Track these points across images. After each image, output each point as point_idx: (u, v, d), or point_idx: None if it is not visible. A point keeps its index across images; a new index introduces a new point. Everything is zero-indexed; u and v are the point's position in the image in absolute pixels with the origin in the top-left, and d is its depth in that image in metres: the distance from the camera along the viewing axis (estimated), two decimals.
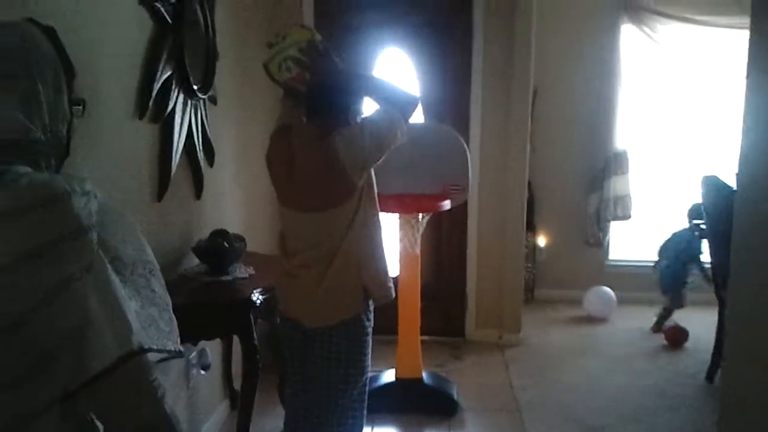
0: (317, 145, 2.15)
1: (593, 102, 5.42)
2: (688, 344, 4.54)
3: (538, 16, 4.42)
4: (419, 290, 3.62)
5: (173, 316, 1.26)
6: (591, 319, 5.10)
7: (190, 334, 2.65)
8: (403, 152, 3.51)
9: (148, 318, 1.14)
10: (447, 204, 3.47)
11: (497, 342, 4.55)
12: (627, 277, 5.47)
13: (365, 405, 2.44)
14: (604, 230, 5.56)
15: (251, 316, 2.64)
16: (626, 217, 5.52)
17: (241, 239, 3.05)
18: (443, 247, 4.63)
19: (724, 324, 3.85)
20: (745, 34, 4.54)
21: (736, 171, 2.06)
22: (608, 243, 5.62)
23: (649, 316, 5.05)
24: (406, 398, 3.59)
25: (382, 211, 3.41)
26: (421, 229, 3.55)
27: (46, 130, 1.09)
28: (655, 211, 5.60)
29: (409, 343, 3.64)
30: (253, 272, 2.95)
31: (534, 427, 3.41)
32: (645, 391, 3.84)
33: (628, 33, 5.30)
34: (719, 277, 3.86)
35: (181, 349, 1.25)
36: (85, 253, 1.01)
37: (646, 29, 5.23)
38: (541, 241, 5.59)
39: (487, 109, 4.45)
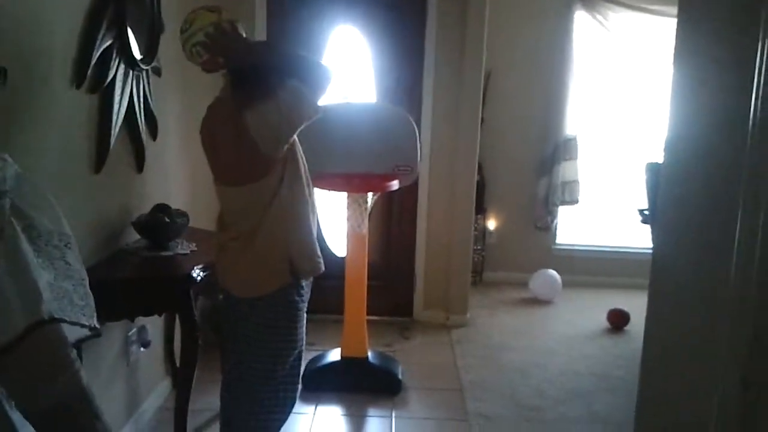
0: (232, 121, 2.16)
1: (545, 87, 5.46)
2: (628, 327, 4.64)
3: (492, 0, 4.42)
4: (366, 270, 3.62)
5: (89, 291, 1.22)
6: (537, 302, 5.18)
7: (128, 310, 2.63)
8: (353, 132, 3.54)
9: (61, 291, 1.11)
10: (395, 184, 3.46)
11: (444, 323, 4.59)
12: (573, 261, 5.57)
13: (297, 381, 2.46)
14: (552, 214, 5.63)
15: (191, 293, 2.60)
16: (574, 201, 5.60)
17: (184, 215, 3.00)
18: (393, 228, 4.63)
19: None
20: None
21: (662, 155, 2.11)
22: (556, 227, 5.70)
23: (593, 299, 5.16)
24: (351, 377, 3.60)
25: (329, 189, 3.44)
26: (369, 209, 3.54)
27: None
28: (602, 196, 5.70)
29: (355, 323, 3.64)
30: (195, 248, 2.91)
31: (474, 406, 3.45)
32: (585, 372, 3.92)
33: (580, 19, 5.34)
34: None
35: (97, 325, 1.21)
36: None
37: (598, 17, 5.29)
38: (491, 224, 5.64)
39: (439, 90, 4.44)
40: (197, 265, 2.67)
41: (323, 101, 2.28)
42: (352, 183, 3.43)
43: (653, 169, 3.80)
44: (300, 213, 2.31)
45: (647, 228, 4.45)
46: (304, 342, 2.46)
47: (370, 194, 3.52)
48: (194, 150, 3.63)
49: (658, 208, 2.18)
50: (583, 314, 4.92)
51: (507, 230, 5.65)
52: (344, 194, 3.52)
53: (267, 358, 2.32)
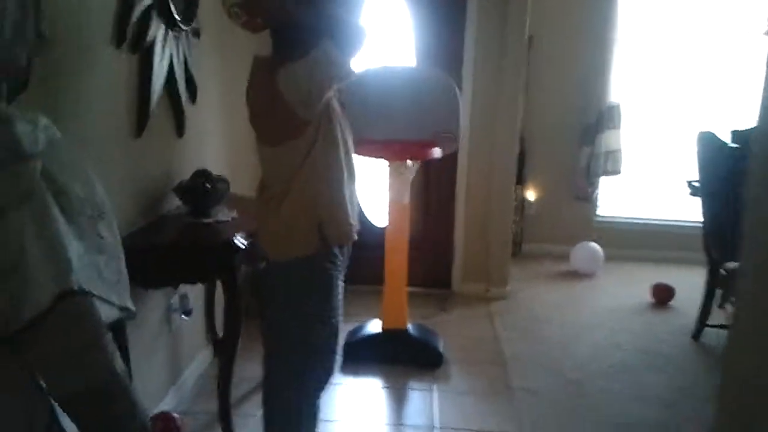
0: (266, 79, 2.11)
1: (588, 53, 5.27)
2: (673, 302, 4.51)
3: None
4: (407, 242, 3.53)
5: (124, 269, 1.12)
6: (578, 275, 5.06)
7: (171, 277, 2.58)
8: (392, 97, 3.43)
9: (92, 265, 1.01)
10: (437, 152, 3.36)
11: (484, 295, 4.50)
12: (615, 233, 5.43)
13: (334, 351, 2.37)
14: (593, 185, 5.47)
15: (234, 260, 2.54)
16: (616, 172, 5.43)
17: (224, 181, 2.93)
18: (431, 198, 4.53)
19: (714, 283, 3.84)
20: None
21: (755, 126, 1.94)
22: (597, 198, 5.55)
23: (636, 273, 5.03)
24: (391, 349, 3.53)
25: (368, 156, 3.34)
26: (411, 178, 3.44)
27: (5, 50, 0.95)
28: (645, 167, 5.53)
29: (395, 295, 3.57)
30: (236, 215, 2.84)
31: (517, 379, 3.37)
32: (628, 347, 3.81)
33: None
34: (711, 235, 3.80)
35: (131, 306, 1.12)
36: (23, 180, 0.90)
37: None
38: (531, 194, 5.51)
39: (480, 55, 4.30)
40: (239, 232, 2.60)
41: (356, 63, 2.18)
42: (391, 150, 3.33)
43: (705, 140, 3.63)
44: (333, 177, 2.22)
45: (695, 200, 4.31)
46: (341, 312, 2.39)
47: (409, 162, 3.40)
48: (234, 114, 3.59)
49: (749, 184, 2.01)
50: (625, 288, 4.79)
51: (547, 201, 5.51)
52: (385, 162, 3.43)
53: (300, 326, 2.26)
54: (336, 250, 2.28)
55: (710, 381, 3.42)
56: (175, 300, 2.96)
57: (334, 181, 2.22)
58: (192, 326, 3.22)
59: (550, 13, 5.15)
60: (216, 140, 3.43)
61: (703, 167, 3.71)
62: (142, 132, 2.54)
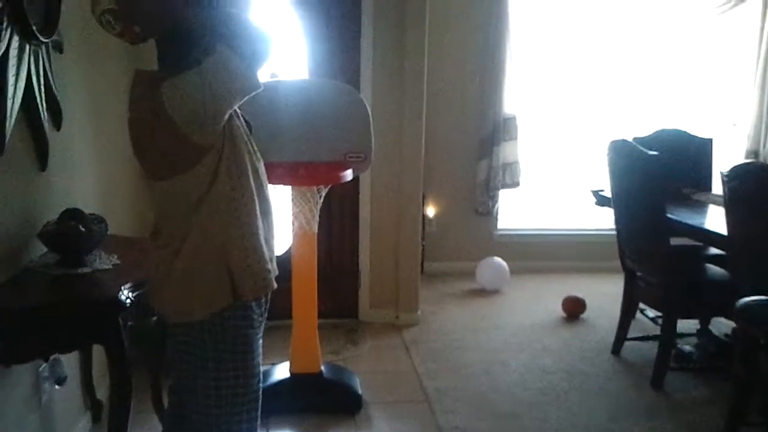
0: (149, 97, 1.73)
1: (482, 64, 5.14)
2: (584, 315, 4.42)
3: None
4: (316, 274, 3.18)
5: None
6: (484, 292, 4.89)
7: (39, 347, 2.09)
8: (297, 114, 3.07)
9: None
10: (348, 174, 3.04)
11: (394, 322, 4.21)
12: (518, 246, 5.32)
13: (255, 417, 1.99)
14: (493, 199, 5.34)
15: (120, 321, 2.09)
16: (515, 184, 5.34)
17: (101, 220, 2.46)
18: (333, 220, 4.19)
19: (632, 294, 3.75)
20: None
21: None
22: (497, 212, 5.42)
23: (542, 286, 4.93)
24: (304, 396, 3.16)
25: (272, 183, 2.95)
26: (320, 204, 3.10)
27: None
28: (544, 178, 5.47)
29: (305, 333, 3.20)
30: (118, 261, 2.38)
31: (445, 417, 3.11)
32: (552, 369, 3.64)
33: None
34: (625, 245, 3.71)
35: None
36: None
37: None
38: (431, 211, 5.29)
39: (379, 68, 4.03)
40: (125, 283, 2.15)
41: (263, 74, 1.83)
42: (298, 175, 2.97)
43: (619, 148, 3.53)
44: (243, 215, 1.85)
45: (601, 210, 4.24)
46: (261, 378, 2.01)
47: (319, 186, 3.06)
48: (108, 141, 3.09)
49: None
50: (535, 303, 4.66)
51: (447, 217, 5.32)
52: (288, 188, 3.06)
53: (210, 400, 1.89)
54: (252, 304, 1.90)
55: (639, 401, 3.30)
56: (44, 368, 2.44)
57: (244, 221, 1.85)
58: (67, 394, 2.70)
59: (443, 23, 4.96)
60: (88, 173, 2.92)
61: (618, 176, 3.61)
62: None
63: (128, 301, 2.10)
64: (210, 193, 1.78)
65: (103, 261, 2.35)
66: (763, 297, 2.70)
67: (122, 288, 2.11)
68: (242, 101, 1.80)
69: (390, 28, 3.98)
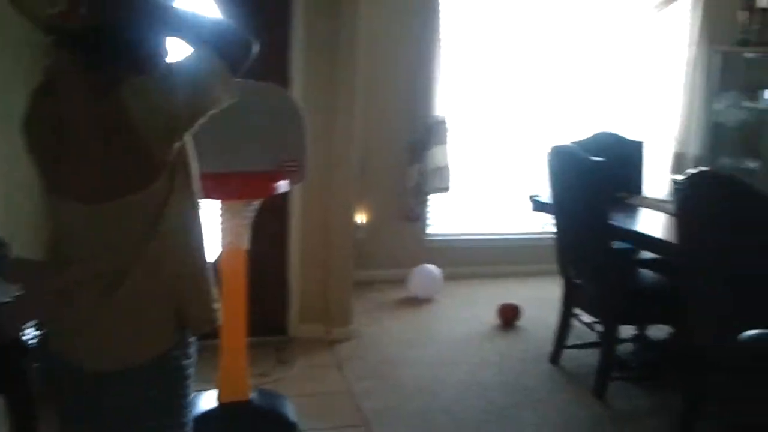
0: (98, 103, 1.44)
1: (412, 67, 4.97)
2: (520, 322, 4.33)
3: None
4: (245, 295, 2.92)
5: None
6: (417, 301, 4.73)
7: None
8: (221, 119, 2.78)
9: None
10: (283, 185, 2.79)
11: (326, 338, 3.97)
12: (449, 252, 5.19)
13: None
14: (423, 204, 5.20)
15: (23, 365, 1.79)
16: (445, 189, 5.20)
17: (0, 243, 2.13)
18: (260, 228, 3.89)
19: (571, 301, 3.67)
20: None
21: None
22: (426, 217, 5.28)
23: (475, 293, 4.83)
24: (233, 428, 2.89)
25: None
26: (251, 218, 2.83)
27: None
28: (475, 182, 5.36)
29: (233, 358, 2.93)
30: (22, 291, 2.06)
31: None
32: (492, 383, 3.52)
33: None
34: (566, 252, 3.62)
35: None
36: None
37: None
38: (360, 217, 5.08)
39: (311, 68, 3.79)
40: (27, 319, 1.85)
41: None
42: (227, 187, 2.69)
43: (561, 154, 3.44)
44: (195, 241, 1.61)
45: (536, 215, 4.17)
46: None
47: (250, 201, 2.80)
48: (7, 147, 2.72)
49: None
50: (469, 311, 4.54)
51: (377, 224, 5.11)
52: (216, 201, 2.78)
53: None
54: (191, 338, 1.65)
55: (584, 414, 3.22)
56: None
57: (196, 246, 1.61)
58: None
59: (372, 25, 4.76)
60: None
61: (560, 182, 3.51)
62: None
63: (31, 341, 1.80)
64: (164, 216, 1.52)
65: (4, 291, 2.03)
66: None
67: (24, 326, 1.81)
68: (216, 111, 1.54)
69: (322, 28, 3.75)
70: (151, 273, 1.53)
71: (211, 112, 1.51)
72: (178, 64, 1.47)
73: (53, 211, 1.58)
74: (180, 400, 1.65)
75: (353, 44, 3.80)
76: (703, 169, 2.70)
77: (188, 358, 1.65)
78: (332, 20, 3.75)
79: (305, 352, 3.83)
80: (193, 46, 1.49)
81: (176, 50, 1.51)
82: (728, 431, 2.91)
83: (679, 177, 2.71)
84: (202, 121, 1.51)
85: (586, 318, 4.02)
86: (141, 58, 1.48)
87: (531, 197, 4.02)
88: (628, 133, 4.31)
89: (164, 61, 1.49)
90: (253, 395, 2.99)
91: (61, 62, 1.52)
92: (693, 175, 2.58)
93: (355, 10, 3.77)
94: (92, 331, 1.55)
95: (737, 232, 2.47)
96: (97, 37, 1.45)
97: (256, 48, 1.54)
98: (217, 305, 1.69)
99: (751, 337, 2.14)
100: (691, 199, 2.61)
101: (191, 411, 1.73)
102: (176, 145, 1.49)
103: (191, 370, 1.67)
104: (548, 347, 3.77)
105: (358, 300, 4.56)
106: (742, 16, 4.95)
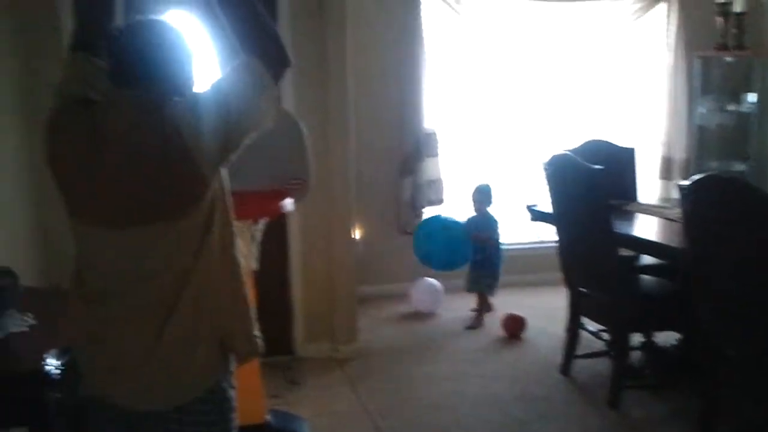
0: (147, 122, 1.42)
1: (400, 80, 4.98)
2: (525, 334, 4.30)
3: None
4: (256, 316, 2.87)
5: None
6: (420, 315, 4.69)
7: None
8: None
9: None
10: (288, 204, 2.76)
11: (333, 356, 3.93)
12: None
13: None
14: (419, 217, 5.18)
15: (44, 396, 1.73)
16: (439, 201, 5.20)
17: (10, 273, 2.08)
18: (261, 249, 3.86)
19: (578, 310, 3.65)
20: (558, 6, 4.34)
21: None
22: None
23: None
24: None
25: None
26: (260, 237, 2.80)
27: None
28: (467, 193, 5.35)
29: (248, 381, 2.82)
30: (34, 321, 2.01)
31: None
32: (506, 397, 3.48)
33: (429, 3, 4.92)
34: (570, 261, 3.61)
35: None
36: None
37: None
38: (357, 232, 5.05)
39: (301, 88, 3.76)
40: (47, 349, 1.80)
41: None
42: (235, 206, 2.65)
43: (561, 162, 3.44)
44: (236, 267, 1.57)
45: (535, 225, 4.17)
46: None
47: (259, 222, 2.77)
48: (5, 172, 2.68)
49: None
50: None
51: (374, 238, 5.08)
52: None
53: None
54: (233, 368, 1.64)
55: (601, 424, 3.20)
56: None
57: (237, 278, 1.58)
58: None
59: (357, 38, 4.75)
60: None
61: (560, 191, 3.51)
62: None
63: (54, 372, 1.75)
64: (205, 242, 1.48)
65: (18, 322, 1.97)
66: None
67: (45, 356, 1.76)
68: (269, 124, 1.52)
69: (308, 44, 3.74)
70: (198, 302, 1.49)
71: (260, 129, 1.49)
72: (222, 78, 1.45)
73: (80, 240, 1.53)
74: (231, 430, 1.64)
75: (341, 64, 3.81)
76: (711, 173, 2.71)
77: (234, 387, 1.63)
78: (320, 42, 3.77)
79: (314, 371, 3.78)
80: (248, 55, 1.45)
81: (221, 61, 1.49)
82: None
83: (685, 182, 2.73)
84: (251, 138, 1.48)
85: (593, 327, 4.03)
86: (181, 81, 1.48)
87: (528, 207, 4.02)
88: (618, 140, 4.34)
89: (195, 83, 1.48)
90: (269, 417, 2.94)
91: (91, 80, 1.50)
92: (699, 179, 2.60)
93: (342, 30, 3.78)
94: (137, 368, 1.49)
95: (746, 232, 2.48)
96: (140, 53, 1.46)
97: (288, 59, 1.52)
98: (259, 335, 1.67)
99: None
100: (699, 203, 2.62)
101: None
102: (224, 163, 1.48)
103: (236, 403, 1.63)
104: (557, 357, 3.75)
105: (362, 316, 4.52)
106: (718, 21, 5.03)
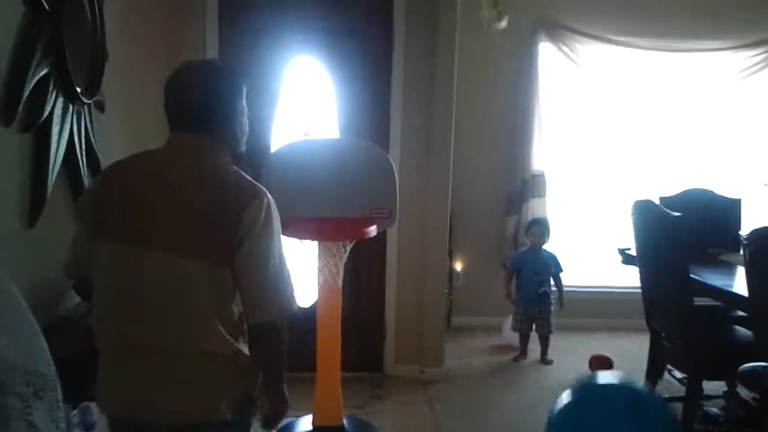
0: (204, 165, 1.72)
1: (511, 122, 5.24)
2: None
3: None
4: (340, 328, 3.23)
5: None
6: (510, 348, 4.85)
7: (70, 394, 2.16)
8: (321, 171, 3.17)
9: None
10: (373, 230, 3.11)
11: (419, 377, 4.21)
12: None
13: None
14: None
15: None
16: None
17: None
18: (360, 273, 4.24)
19: (658, 355, 3.71)
20: (666, 56, 4.45)
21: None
22: None
23: (569, 344, 4.89)
24: None
25: (296, 237, 3.02)
26: (345, 258, 3.16)
27: None
28: (573, 235, 5.47)
29: (328, 386, 3.24)
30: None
31: None
32: None
33: (546, 52, 5.15)
34: (650, 305, 3.69)
35: None
36: None
37: (564, 48, 5.11)
38: (458, 265, 5.32)
39: (407, 126, 4.14)
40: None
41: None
42: (324, 230, 3.06)
43: (643, 208, 3.55)
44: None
45: (628, 268, 4.23)
46: None
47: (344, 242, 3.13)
48: None
49: None
50: (562, 361, 4.62)
51: (475, 272, 5.34)
52: (314, 243, 3.14)
53: None
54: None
55: None
56: (75, 415, 2.51)
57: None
58: None
59: (472, 82, 5.08)
60: None
61: (642, 236, 3.62)
62: (36, 221, 2.16)
63: None
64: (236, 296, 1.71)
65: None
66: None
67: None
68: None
69: (419, 88, 4.10)
70: (218, 361, 1.66)
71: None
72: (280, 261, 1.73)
73: (106, 262, 1.71)
74: None
75: (448, 104, 4.11)
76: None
77: (254, 414, 1.83)
78: (428, 79, 4.09)
79: (399, 389, 4.08)
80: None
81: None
82: None
83: (746, 232, 2.80)
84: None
85: (678, 374, 4.03)
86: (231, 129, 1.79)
87: (620, 250, 4.12)
88: (726, 190, 4.34)
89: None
90: (344, 421, 3.27)
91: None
92: (758, 229, 2.66)
93: (450, 70, 4.08)
94: (169, 383, 1.68)
95: None
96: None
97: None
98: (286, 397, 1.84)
99: None
100: (757, 253, 2.68)
101: None
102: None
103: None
104: None
105: (453, 344, 4.79)
106: None
